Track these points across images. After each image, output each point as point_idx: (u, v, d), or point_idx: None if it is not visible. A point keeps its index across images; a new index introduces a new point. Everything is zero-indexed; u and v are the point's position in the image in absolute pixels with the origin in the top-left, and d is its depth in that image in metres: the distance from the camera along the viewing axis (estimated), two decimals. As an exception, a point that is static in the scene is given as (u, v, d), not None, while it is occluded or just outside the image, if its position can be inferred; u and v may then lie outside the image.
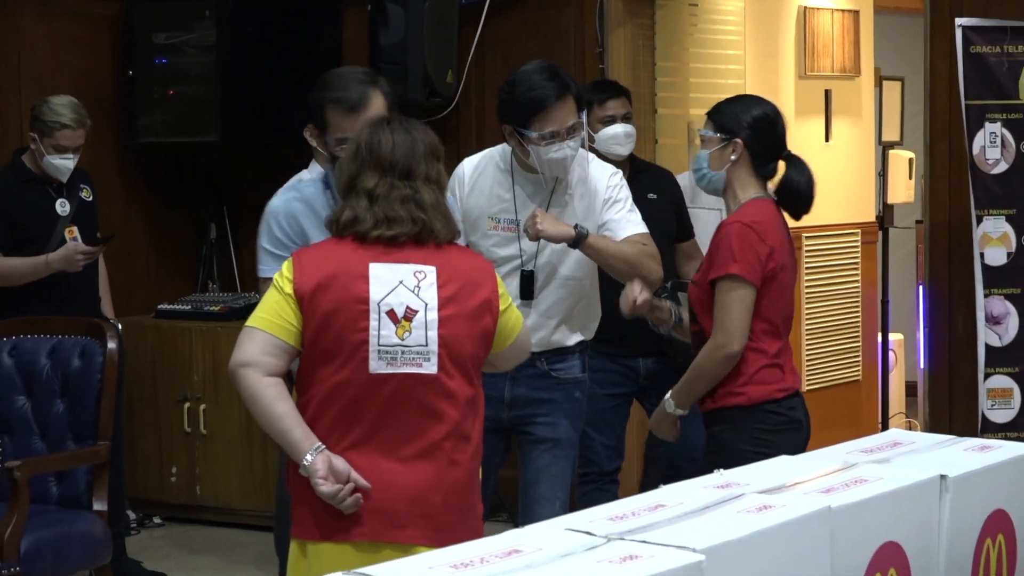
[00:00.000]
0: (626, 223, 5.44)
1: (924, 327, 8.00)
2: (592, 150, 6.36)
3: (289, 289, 4.03)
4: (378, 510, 4.03)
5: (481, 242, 5.37)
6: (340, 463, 4.01)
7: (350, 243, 4.09)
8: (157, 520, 8.53)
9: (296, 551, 4.19)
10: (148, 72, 8.50)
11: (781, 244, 5.09)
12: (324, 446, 4.02)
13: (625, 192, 5.55)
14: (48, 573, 6.21)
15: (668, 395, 5.20)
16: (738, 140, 5.13)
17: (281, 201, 4.87)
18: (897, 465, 2.94)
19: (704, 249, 5.54)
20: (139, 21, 8.65)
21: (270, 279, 4.49)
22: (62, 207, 7.06)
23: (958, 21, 6.57)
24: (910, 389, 10.45)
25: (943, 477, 2.87)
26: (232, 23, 8.44)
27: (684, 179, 7.25)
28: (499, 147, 5.54)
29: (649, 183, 6.71)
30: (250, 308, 8.30)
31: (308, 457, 3.99)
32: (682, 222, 6.84)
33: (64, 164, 6.98)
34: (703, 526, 2.43)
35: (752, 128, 5.16)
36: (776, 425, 5.06)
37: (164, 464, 8.24)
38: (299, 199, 4.84)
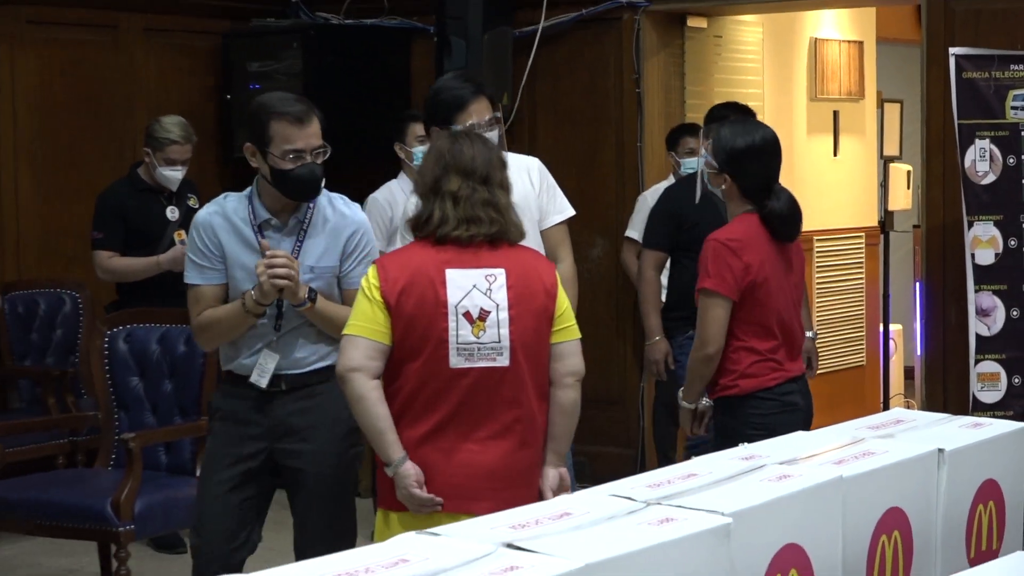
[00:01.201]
0: (559, 209, 5.35)
1: (921, 319, 7.96)
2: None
3: (378, 296, 4.01)
4: (456, 485, 4.03)
5: None
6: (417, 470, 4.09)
7: (426, 247, 4.08)
8: (251, 485, 8.55)
9: (381, 519, 4.21)
10: (243, 96, 8.49)
11: (760, 259, 4.97)
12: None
13: (551, 177, 5.40)
14: (158, 530, 6.28)
15: (679, 391, 5.21)
16: (725, 175, 5.02)
17: (204, 215, 4.70)
18: (900, 440, 2.94)
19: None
20: (235, 52, 8.68)
21: (193, 286, 4.66)
22: (172, 213, 7.10)
23: (952, 50, 6.53)
24: (908, 373, 10.39)
25: (941, 451, 2.87)
26: (315, 53, 8.45)
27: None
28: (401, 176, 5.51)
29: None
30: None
31: (398, 462, 4.03)
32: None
33: (174, 175, 7.04)
34: (730, 493, 2.44)
35: (737, 165, 5.00)
36: (770, 410, 5.00)
37: (257, 436, 8.21)
38: (220, 213, 4.67)
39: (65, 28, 8.09)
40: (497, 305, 4.03)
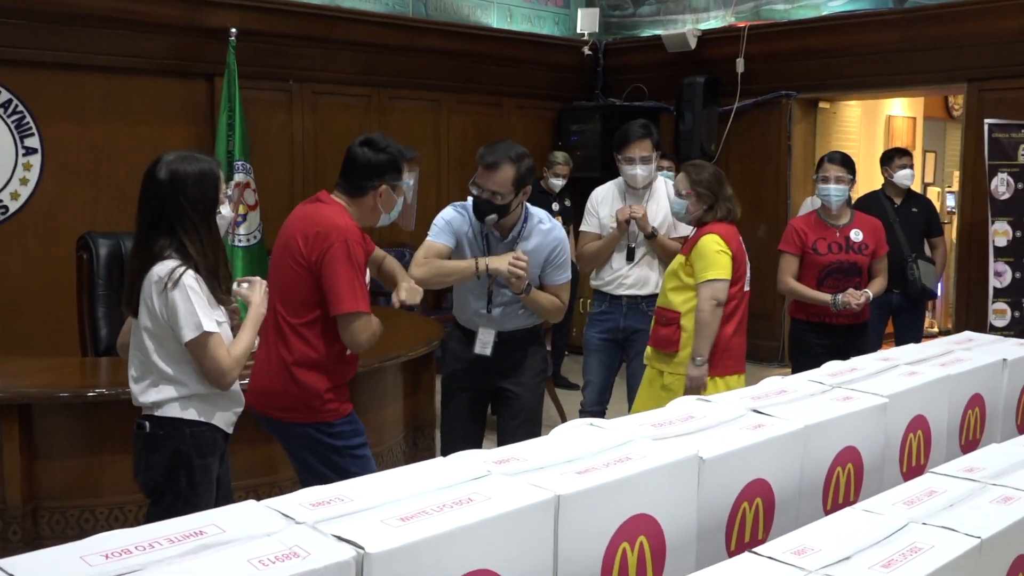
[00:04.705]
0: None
1: (941, 280, 7.49)
2: (889, 183, 5.69)
3: (727, 250, 3.77)
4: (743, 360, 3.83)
5: (611, 229, 4.40)
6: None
7: (728, 225, 3.85)
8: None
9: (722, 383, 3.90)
10: (567, 145, 8.37)
11: None
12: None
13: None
14: None
15: (870, 292, 4.47)
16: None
17: (452, 207, 3.62)
18: (976, 352, 2.62)
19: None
20: (564, 120, 8.52)
21: (432, 240, 3.56)
22: (555, 206, 6.81)
23: (986, 121, 6.08)
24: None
25: (1004, 360, 2.54)
26: (607, 121, 8.18)
27: (809, 203, 6.79)
28: (617, 179, 4.51)
29: (913, 203, 5.77)
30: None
31: (705, 358, 3.76)
32: (931, 225, 5.73)
33: (556, 183, 6.82)
34: (882, 382, 2.18)
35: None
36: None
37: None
38: (463, 211, 3.57)
39: (473, 105, 8.05)
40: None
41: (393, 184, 3.10)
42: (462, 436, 3.66)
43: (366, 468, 3.09)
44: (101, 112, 6.11)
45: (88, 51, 5.98)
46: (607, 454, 1.46)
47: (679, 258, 3.89)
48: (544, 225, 3.62)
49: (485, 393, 3.70)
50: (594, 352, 4.41)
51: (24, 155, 5.84)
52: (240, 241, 6.18)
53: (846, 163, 4.59)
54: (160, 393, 2.66)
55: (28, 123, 5.85)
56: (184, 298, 2.59)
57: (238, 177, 6.15)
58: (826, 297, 4.44)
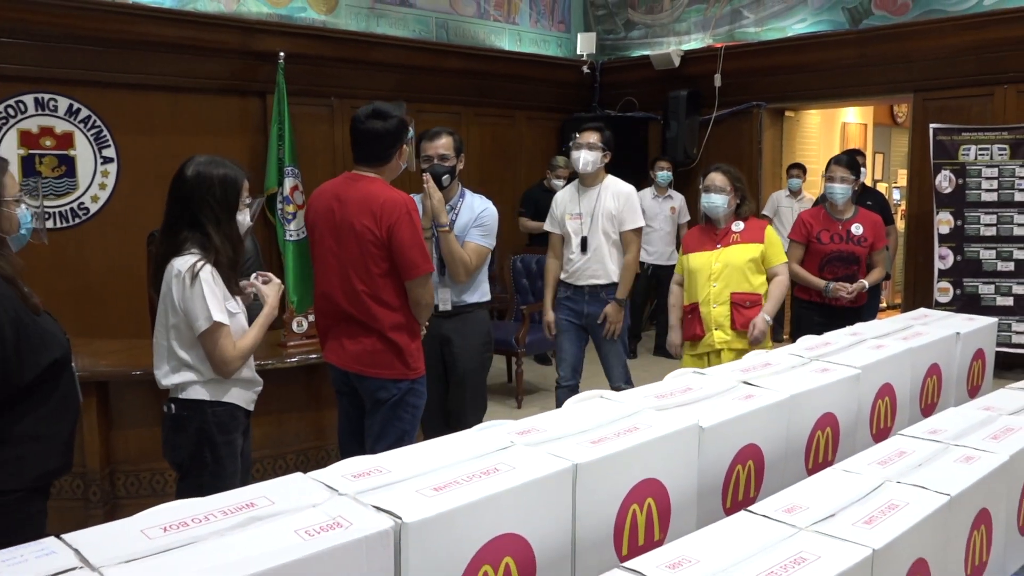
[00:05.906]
0: (632, 218, 4.09)
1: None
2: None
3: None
4: None
5: (568, 224, 4.13)
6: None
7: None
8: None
9: None
10: (569, 151, 8.28)
11: None
12: None
13: (635, 198, 4.13)
14: (536, 351, 5.98)
15: (865, 282, 4.30)
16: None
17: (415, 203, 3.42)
18: (933, 327, 2.52)
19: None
20: (567, 129, 8.33)
21: None
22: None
23: (931, 125, 5.95)
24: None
25: (958, 333, 2.44)
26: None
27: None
28: (575, 181, 4.24)
29: (868, 197, 5.56)
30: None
31: (772, 320, 3.69)
32: (884, 215, 5.39)
33: (558, 183, 6.74)
34: (854, 355, 2.09)
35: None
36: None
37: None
38: (420, 203, 3.43)
39: (489, 117, 7.92)
40: None
41: (407, 141, 3.00)
42: (433, 391, 3.53)
43: (415, 427, 3.01)
44: (168, 126, 6.06)
45: (157, 73, 5.92)
46: (617, 424, 1.38)
47: (757, 247, 3.73)
48: (479, 202, 3.56)
49: (440, 362, 3.61)
50: (564, 332, 4.23)
51: (102, 164, 5.80)
52: (291, 236, 6.12)
53: (850, 165, 4.43)
54: (180, 376, 2.53)
55: (105, 136, 5.80)
56: (200, 291, 2.46)
57: (288, 181, 6.09)
58: (821, 283, 4.32)
